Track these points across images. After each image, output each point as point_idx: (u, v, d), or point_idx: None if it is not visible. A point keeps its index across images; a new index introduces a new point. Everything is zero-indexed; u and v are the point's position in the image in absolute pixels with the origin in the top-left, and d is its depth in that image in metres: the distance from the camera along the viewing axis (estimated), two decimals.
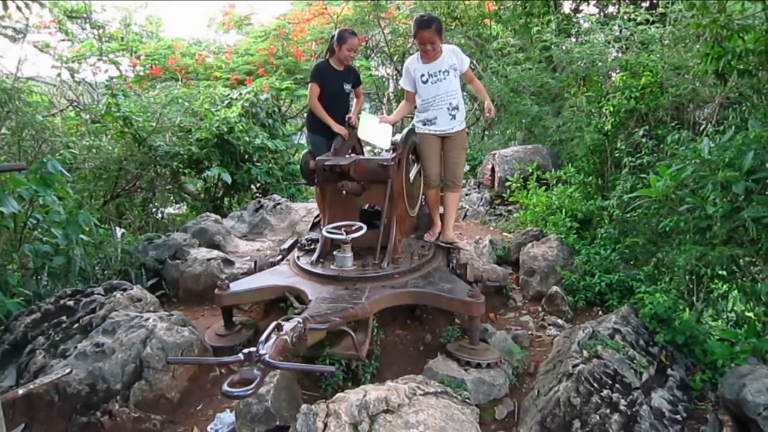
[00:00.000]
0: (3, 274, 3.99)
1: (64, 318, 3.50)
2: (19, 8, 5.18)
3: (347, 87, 4.89)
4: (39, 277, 4.27)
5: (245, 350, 2.16)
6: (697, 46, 4.89)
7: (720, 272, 3.71)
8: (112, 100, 6.56)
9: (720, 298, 4.00)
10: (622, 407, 2.86)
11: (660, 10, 6.03)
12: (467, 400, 2.89)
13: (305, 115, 4.90)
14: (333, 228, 3.83)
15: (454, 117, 4.28)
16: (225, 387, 1.98)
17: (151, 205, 7.69)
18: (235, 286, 3.69)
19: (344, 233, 3.73)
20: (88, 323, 3.40)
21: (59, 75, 9.49)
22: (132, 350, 3.16)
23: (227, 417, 3.02)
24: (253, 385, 2.00)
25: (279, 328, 2.45)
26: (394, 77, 13.00)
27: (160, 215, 7.90)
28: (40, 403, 2.99)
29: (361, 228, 3.80)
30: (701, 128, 5.12)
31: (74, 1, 9.91)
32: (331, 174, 3.96)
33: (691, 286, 3.82)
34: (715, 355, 3.27)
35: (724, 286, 3.88)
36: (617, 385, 3.01)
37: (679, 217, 3.73)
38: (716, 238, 3.53)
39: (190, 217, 7.22)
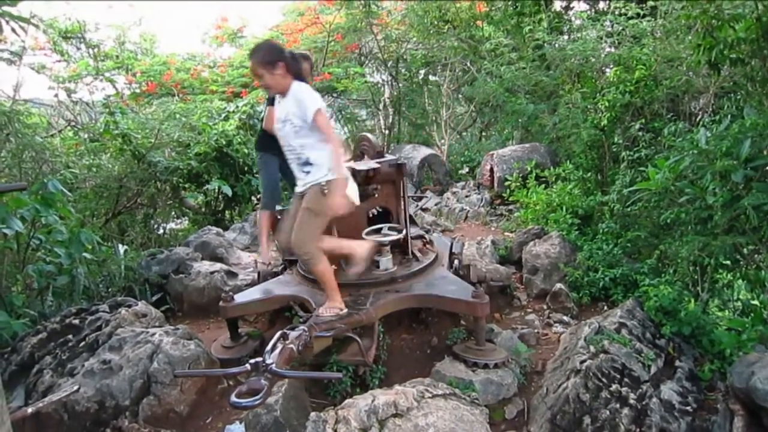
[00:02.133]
0: (8, 295, 4.00)
1: (70, 337, 3.51)
2: (14, 31, 5.21)
3: None
4: (44, 297, 4.28)
5: (252, 360, 2.17)
6: (689, 37, 4.90)
7: (724, 262, 3.71)
8: (110, 117, 6.58)
9: (725, 287, 4.00)
10: (631, 401, 2.86)
11: (650, 3, 6.04)
12: (476, 401, 2.88)
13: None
14: (371, 231, 3.88)
15: (307, 173, 3.28)
16: (233, 398, 1.99)
17: (152, 221, 7.71)
18: (240, 298, 3.70)
19: (397, 232, 3.80)
20: (94, 341, 3.40)
21: (56, 95, 9.53)
22: (139, 366, 3.16)
23: (237, 429, 3.01)
24: (260, 395, 2.01)
25: (284, 337, 2.47)
26: (389, 83, 13.04)
27: (162, 231, 7.91)
28: (49, 422, 2.98)
29: (400, 229, 3.87)
30: (697, 119, 5.13)
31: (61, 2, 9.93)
32: None
33: (696, 276, 3.82)
34: (723, 345, 3.27)
35: (729, 276, 3.88)
36: (626, 379, 3.01)
37: (679, 209, 3.74)
38: (718, 227, 3.53)
39: (191, 231, 7.23)
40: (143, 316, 3.77)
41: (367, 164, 3.97)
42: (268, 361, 2.17)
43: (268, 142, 4.36)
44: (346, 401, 2.64)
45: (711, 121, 4.29)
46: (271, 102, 4.28)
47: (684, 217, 3.74)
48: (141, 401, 3.08)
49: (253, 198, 8.11)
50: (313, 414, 2.55)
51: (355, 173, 3.91)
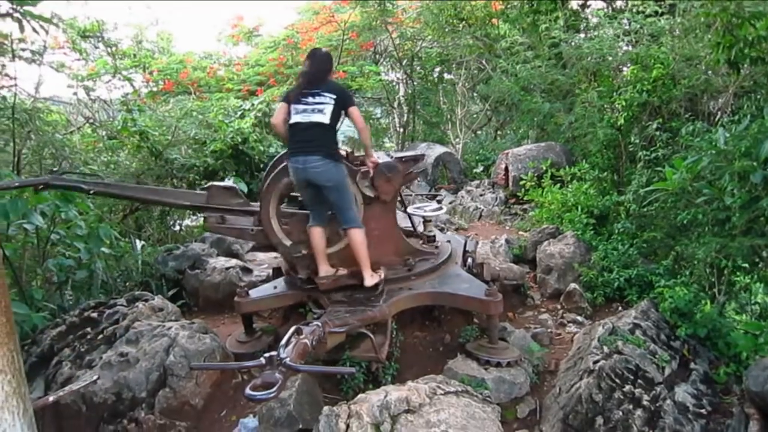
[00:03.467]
0: (29, 289, 4.08)
1: (88, 330, 3.56)
2: (35, 30, 5.30)
3: None
4: (63, 290, 4.35)
5: (266, 354, 2.18)
6: (708, 35, 4.84)
7: (741, 264, 3.66)
8: (128, 115, 6.67)
9: (742, 290, 3.95)
10: (645, 402, 2.84)
11: (669, 1, 5.97)
12: (488, 399, 2.89)
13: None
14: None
15: None
16: (248, 390, 2.01)
17: (169, 218, 7.78)
18: (255, 293, 3.73)
19: (437, 204, 3.94)
20: (111, 334, 3.46)
21: (75, 94, 9.66)
22: (155, 359, 3.21)
23: (250, 422, 3.04)
24: (275, 388, 2.02)
25: (299, 332, 2.49)
26: (404, 81, 13.03)
27: (177, 227, 7.98)
28: (67, 413, 3.04)
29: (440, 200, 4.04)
30: (716, 119, 5.06)
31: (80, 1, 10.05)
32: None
33: (712, 278, 3.78)
34: (739, 348, 3.23)
35: (746, 278, 3.83)
36: (639, 381, 2.99)
37: (696, 210, 3.70)
38: (735, 229, 3.49)
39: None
40: (160, 311, 3.83)
41: (421, 151, 4.06)
42: (283, 356, 2.18)
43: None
44: (359, 396, 2.66)
45: (730, 121, 4.23)
46: (342, 104, 3.55)
47: (701, 218, 3.70)
48: (157, 393, 3.13)
49: None
50: (326, 408, 2.57)
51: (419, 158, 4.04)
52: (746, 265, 3.68)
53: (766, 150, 3.19)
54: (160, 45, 12.33)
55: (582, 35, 7.82)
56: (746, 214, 3.37)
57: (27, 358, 3.45)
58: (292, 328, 2.47)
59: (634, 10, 6.27)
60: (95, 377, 2.49)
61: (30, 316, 3.67)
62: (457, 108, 11.76)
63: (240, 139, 7.21)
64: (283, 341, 2.34)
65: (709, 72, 5.07)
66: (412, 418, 2.47)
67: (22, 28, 4.88)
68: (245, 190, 7.06)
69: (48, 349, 3.47)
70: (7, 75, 5.76)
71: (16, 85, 5.76)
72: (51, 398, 2.09)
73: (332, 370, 2.58)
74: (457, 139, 11.46)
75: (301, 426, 2.82)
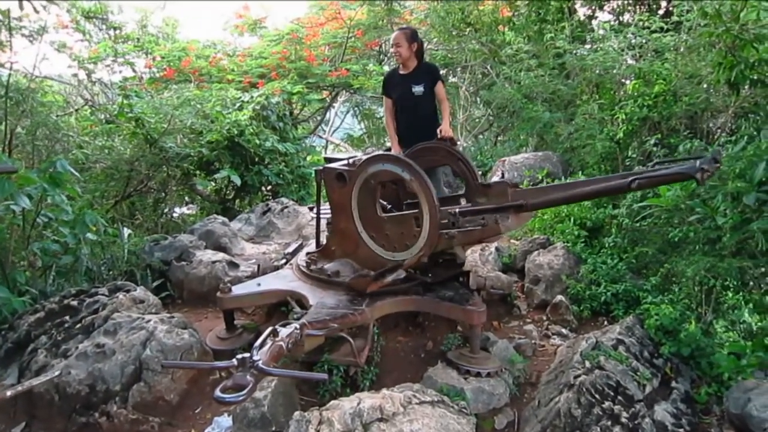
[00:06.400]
0: (11, 272, 4.03)
1: (67, 318, 3.51)
2: (35, 10, 5.27)
3: (417, 89, 4.59)
4: (47, 275, 4.30)
5: (239, 355, 2.14)
6: (711, 54, 4.81)
7: (731, 283, 3.65)
8: (125, 100, 6.63)
9: (731, 309, 3.93)
10: (623, 419, 2.82)
11: (675, 18, 5.94)
12: (464, 410, 2.86)
13: None
14: None
15: None
16: (217, 392, 1.97)
17: (163, 206, 7.74)
18: (237, 290, 3.70)
19: None
20: (90, 324, 3.41)
21: (75, 75, 9.62)
22: (132, 352, 3.17)
23: (224, 421, 3.01)
24: (244, 392, 1.99)
25: (275, 333, 2.44)
26: None
27: (171, 216, 7.94)
28: (40, 402, 3.01)
29: None
30: (714, 138, 5.04)
31: (92, 1, 10.02)
32: None
33: (701, 296, 3.75)
34: (722, 368, 3.22)
35: (735, 297, 3.81)
36: (619, 397, 2.97)
37: (688, 227, 3.68)
38: (726, 249, 3.47)
39: (201, 217, 7.26)
40: (140, 302, 3.77)
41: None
42: (255, 358, 2.14)
43: None
44: (332, 402, 2.62)
45: (727, 141, 4.21)
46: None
47: (693, 236, 3.68)
48: (131, 387, 3.09)
49: (263, 188, 8.12)
50: (296, 413, 2.54)
51: None
52: (736, 283, 3.66)
53: (761, 172, 3.17)
54: (165, 31, 12.25)
55: (587, 47, 7.80)
56: (737, 235, 3.36)
57: (3, 344, 3.41)
58: (268, 329, 2.43)
59: (641, 25, 6.25)
60: (57, 372, 2.45)
61: (10, 299, 3.63)
62: (459, 112, 11.71)
63: (236, 131, 7.17)
64: (258, 343, 2.30)
65: (711, 91, 5.04)
66: (385, 427, 2.44)
67: (21, 6, 4.84)
68: (239, 182, 7.06)
69: (25, 335, 3.42)
70: (2, 51, 5.73)
71: (12, 63, 5.73)
72: (9, 393, 2.04)
73: (304, 375, 2.53)
74: (459, 143, 11.42)
75: (274, 428, 2.79)
